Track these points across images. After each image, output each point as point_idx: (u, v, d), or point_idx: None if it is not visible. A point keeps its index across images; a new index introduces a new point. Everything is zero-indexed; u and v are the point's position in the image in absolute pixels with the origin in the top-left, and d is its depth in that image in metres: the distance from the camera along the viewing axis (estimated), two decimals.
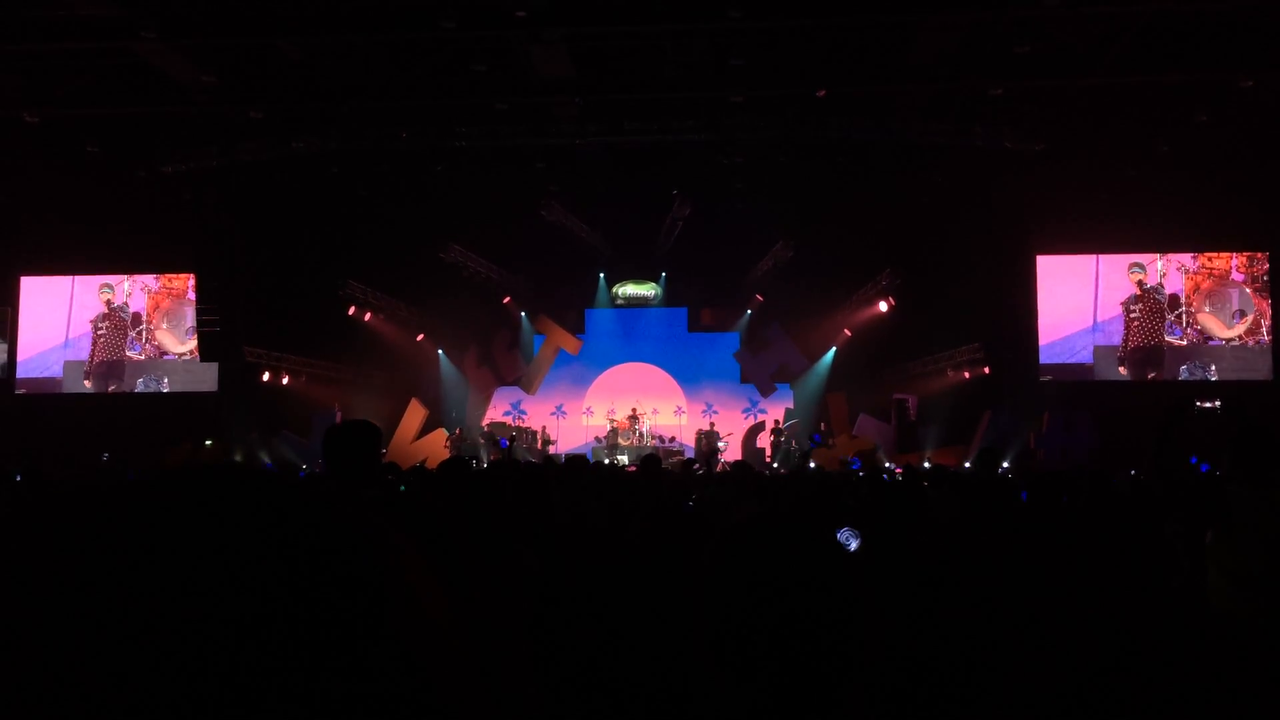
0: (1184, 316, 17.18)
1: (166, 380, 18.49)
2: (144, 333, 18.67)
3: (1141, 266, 17.26)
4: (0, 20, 10.67)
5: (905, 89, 12.81)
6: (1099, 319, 17.34)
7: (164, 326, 18.58)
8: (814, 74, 12.13)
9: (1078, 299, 17.35)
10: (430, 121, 13.88)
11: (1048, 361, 17.31)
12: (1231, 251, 17.04)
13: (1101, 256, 17.29)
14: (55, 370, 18.63)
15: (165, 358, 18.58)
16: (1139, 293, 17.24)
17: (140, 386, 18.53)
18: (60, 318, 18.74)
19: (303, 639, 0.35)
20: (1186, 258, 17.17)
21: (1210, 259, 17.15)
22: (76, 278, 18.67)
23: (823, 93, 12.46)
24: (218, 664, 0.33)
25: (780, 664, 1.02)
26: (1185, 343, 17.16)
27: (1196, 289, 17.18)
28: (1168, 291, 17.22)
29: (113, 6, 10.34)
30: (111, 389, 18.47)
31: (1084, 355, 17.32)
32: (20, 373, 18.56)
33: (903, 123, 13.61)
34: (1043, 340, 17.32)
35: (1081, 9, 10.34)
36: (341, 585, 0.37)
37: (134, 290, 18.76)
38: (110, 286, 18.77)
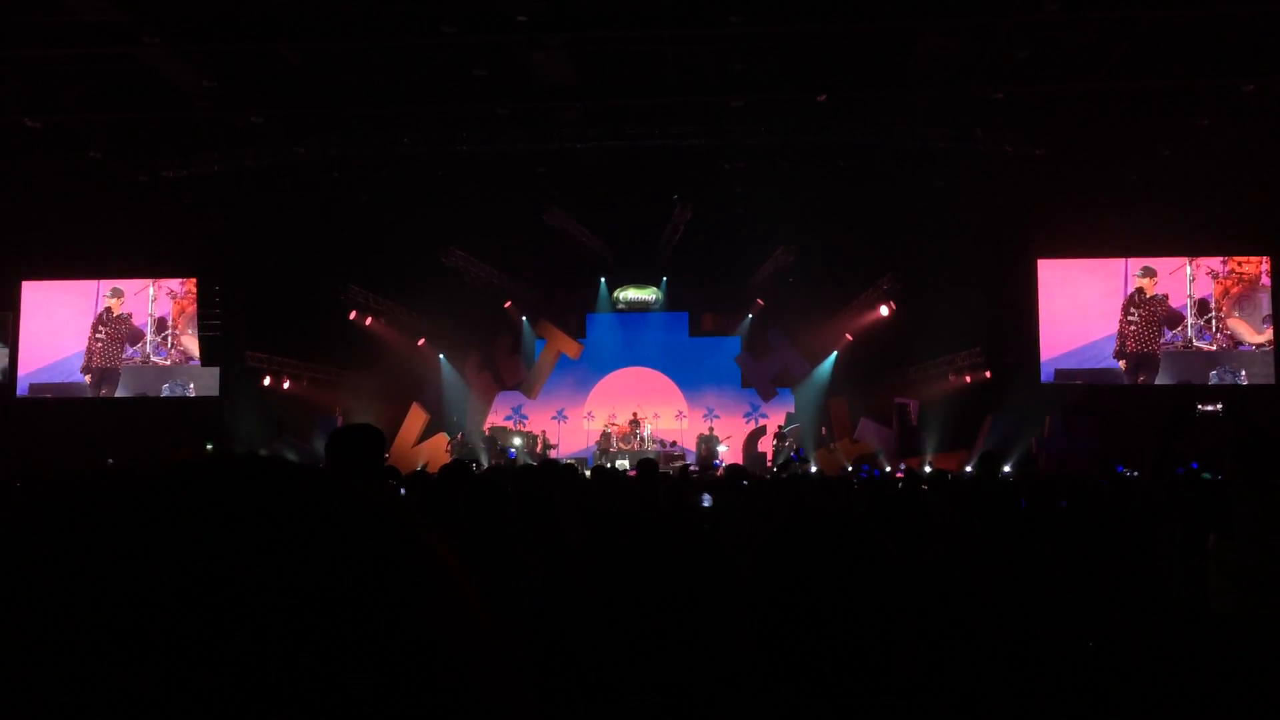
0: (1213, 321, 16.76)
1: (192, 385, 18.38)
2: (169, 338, 18.58)
3: (1149, 271, 16.95)
4: (1, 25, 10.69)
5: (906, 94, 12.82)
6: None
7: (190, 331, 18.45)
8: (815, 79, 12.14)
9: (1106, 304, 17.00)
10: (432, 126, 13.89)
11: (1073, 366, 17.00)
12: (1226, 256, 16.83)
13: (1130, 260, 16.92)
14: (80, 375, 18.56)
15: (190, 363, 18.48)
16: (1138, 299, 17.05)
17: (166, 391, 18.42)
18: (85, 323, 18.63)
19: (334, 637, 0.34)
20: (1215, 262, 16.74)
21: (1240, 263, 16.74)
22: (101, 282, 18.59)
23: (823, 98, 12.48)
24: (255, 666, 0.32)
25: (827, 652, 1.06)
26: (1215, 348, 16.76)
27: (1226, 293, 16.80)
28: (1198, 296, 16.74)
29: (115, 12, 10.34)
30: (103, 394, 18.39)
31: (1113, 360, 16.99)
32: (42, 378, 18.45)
33: (903, 128, 13.62)
34: (1068, 346, 16.97)
35: (1081, 13, 10.35)
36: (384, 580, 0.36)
37: (159, 295, 18.66)
38: (120, 291, 18.63)
